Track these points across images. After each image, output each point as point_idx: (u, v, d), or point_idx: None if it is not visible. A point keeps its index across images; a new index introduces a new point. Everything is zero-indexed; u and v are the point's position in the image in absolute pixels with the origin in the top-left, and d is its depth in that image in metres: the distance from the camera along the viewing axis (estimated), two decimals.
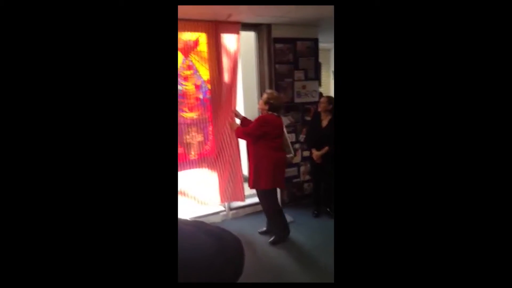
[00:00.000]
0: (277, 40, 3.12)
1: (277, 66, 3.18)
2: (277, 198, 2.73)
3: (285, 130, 3.05)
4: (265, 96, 2.59)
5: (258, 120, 2.55)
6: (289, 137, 3.18)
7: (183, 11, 2.37)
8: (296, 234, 2.81)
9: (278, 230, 2.68)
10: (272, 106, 2.54)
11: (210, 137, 2.90)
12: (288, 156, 3.04)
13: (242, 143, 2.91)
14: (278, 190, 3.05)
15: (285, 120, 3.30)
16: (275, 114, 2.55)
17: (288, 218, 3.08)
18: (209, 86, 2.81)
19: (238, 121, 2.87)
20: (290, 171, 3.43)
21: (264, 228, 2.82)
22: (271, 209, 2.65)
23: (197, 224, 1.17)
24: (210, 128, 2.88)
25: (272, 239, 2.68)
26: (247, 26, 2.98)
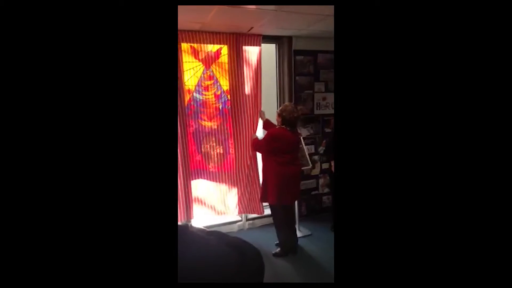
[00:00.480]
0: (298, 52, 3.14)
1: (297, 78, 3.19)
2: (289, 213, 2.66)
3: (302, 141, 3.04)
4: (279, 108, 2.56)
5: (267, 135, 2.51)
6: (308, 149, 3.16)
7: (206, 23, 2.46)
8: (312, 248, 2.74)
9: (283, 244, 2.63)
10: (284, 119, 2.47)
11: (231, 150, 2.91)
12: (305, 168, 3.01)
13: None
14: (296, 203, 3.01)
15: (305, 132, 3.28)
16: (288, 128, 2.47)
17: (305, 231, 3.03)
18: (228, 96, 2.86)
19: (259, 132, 2.88)
20: (309, 183, 3.38)
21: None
22: (279, 223, 2.61)
23: (220, 235, 1.16)
24: (231, 141, 2.90)
25: (276, 251, 2.64)
26: (268, 38, 3.03)
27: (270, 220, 3.23)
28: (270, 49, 3.21)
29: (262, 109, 2.92)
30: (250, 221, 3.22)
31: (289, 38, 3.08)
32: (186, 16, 2.29)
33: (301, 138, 3.07)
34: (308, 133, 3.32)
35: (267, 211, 3.24)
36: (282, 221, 2.59)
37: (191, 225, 1.23)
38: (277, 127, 2.56)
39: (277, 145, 2.43)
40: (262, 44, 2.92)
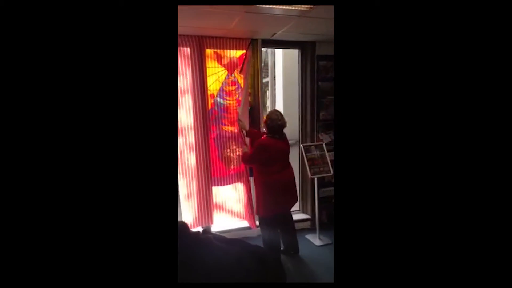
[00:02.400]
0: (321, 57, 3.11)
1: (320, 83, 3.15)
2: (287, 221, 2.61)
3: (325, 148, 2.99)
4: (264, 117, 2.45)
5: (255, 146, 2.40)
6: (330, 156, 3.10)
7: (230, 29, 2.48)
8: (332, 256, 2.68)
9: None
10: (269, 128, 2.39)
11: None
12: (327, 175, 2.96)
13: None
14: (316, 210, 2.96)
15: (327, 138, 3.23)
16: (276, 136, 2.38)
17: (326, 240, 2.97)
18: (250, 99, 2.88)
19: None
20: (330, 191, 3.32)
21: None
22: (267, 236, 2.49)
23: (241, 244, 1.15)
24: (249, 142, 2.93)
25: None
26: (291, 44, 3.02)
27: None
28: (293, 54, 3.20)
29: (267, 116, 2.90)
30: None
31: (313, 43, 3.05)
32: (211, 22, 2.33)
33: (325, 145, 3.03)
34: (330, 139, 3.27)
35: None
36: (271, 235, 2.50)
37: (205, 230, 1.24)
38: (263, 136, 2.47)
39: (267, 156, 2.33)
40: (284, 50, 2.92)
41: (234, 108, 2.84)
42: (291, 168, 2.59)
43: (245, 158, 2.52)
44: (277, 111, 2.46)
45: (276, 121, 2.37)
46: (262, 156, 2.34)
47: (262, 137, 2.49)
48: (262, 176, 2.38)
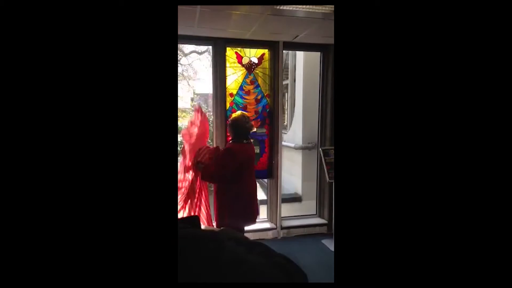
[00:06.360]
0: None
1: None
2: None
3: None
4: (230, 119, 2.17)
5: (224, 153, 2.09)
6: None
7: (253, 31, 2.50)
8: None
9: None
10: (235, 133, 2.10)
11: (266, 149, 3.00)
12: None
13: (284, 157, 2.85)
14: (334, 215, 2.92)
15: None
16: (244, 141, 2.08)
17: None
18: (268, 99, 2.93)
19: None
20: None
21: None
22: None
23: (265, 253, 1.11)
24: (266, 140, 2.99)
25: None
26: (313, 46, 3.01)
27: (307, 231, 3.18)
28: (315, 57, 3.18)
29: (300, 121, 2.89)
30: (285, 230, 3.16)
31: None
32: (234, 24, 2.35)
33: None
34: None
35: (302, 221, 3.20)
36: None
37: (224, 233, 1.17)
38: (230, 142, 2.18)
39: (237, 164, 2.01)
40: (304, 52, 2.92)
41: (253, 106, 2.90)
42: (255, 178, 2.31)
43: (213, 172, 2.07)
44: (244, 113, 2.16)
45: (244, 124, 2.09)
46: (232, 165, 2.00)
47: (228, 143, 2.22)
48: (229, 185, 2.08)
